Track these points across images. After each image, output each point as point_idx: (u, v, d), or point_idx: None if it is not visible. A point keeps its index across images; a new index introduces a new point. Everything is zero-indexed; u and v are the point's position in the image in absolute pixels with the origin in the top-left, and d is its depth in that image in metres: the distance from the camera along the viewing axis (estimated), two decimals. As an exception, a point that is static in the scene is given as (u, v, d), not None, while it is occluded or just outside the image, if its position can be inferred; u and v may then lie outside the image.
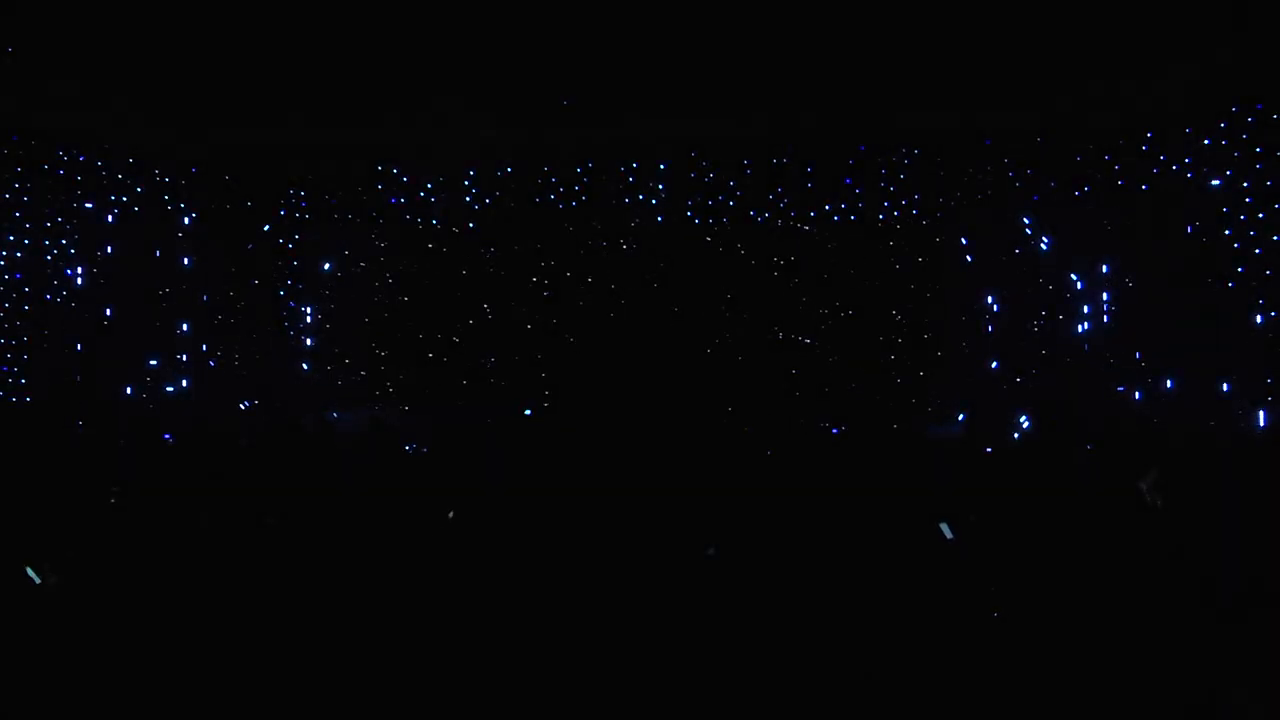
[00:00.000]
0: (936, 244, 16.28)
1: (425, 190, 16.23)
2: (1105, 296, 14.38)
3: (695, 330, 17.01)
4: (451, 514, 6.90)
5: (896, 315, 16.51)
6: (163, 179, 14.77)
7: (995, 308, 15.99)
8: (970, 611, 5.55)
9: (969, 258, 16.16)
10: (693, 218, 16.70)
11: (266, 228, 16.24)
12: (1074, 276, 14.74)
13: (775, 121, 14.50)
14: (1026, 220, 15.27)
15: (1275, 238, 11.85)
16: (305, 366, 16.84)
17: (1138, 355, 13.53)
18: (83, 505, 8.17)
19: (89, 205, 14.11)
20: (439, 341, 17.41)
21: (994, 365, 15.80)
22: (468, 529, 9.58)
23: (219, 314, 15.63)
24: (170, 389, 14.78)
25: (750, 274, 17.16)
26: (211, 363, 15.48)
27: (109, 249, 14.33)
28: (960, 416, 15.77)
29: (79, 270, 14.04)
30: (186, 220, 15.20)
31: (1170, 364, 13.08)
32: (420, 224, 16.86)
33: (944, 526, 6.80)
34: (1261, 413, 11.65)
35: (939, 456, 10.58)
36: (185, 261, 15.24)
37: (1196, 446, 9.95)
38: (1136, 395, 13.45)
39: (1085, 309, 14.63)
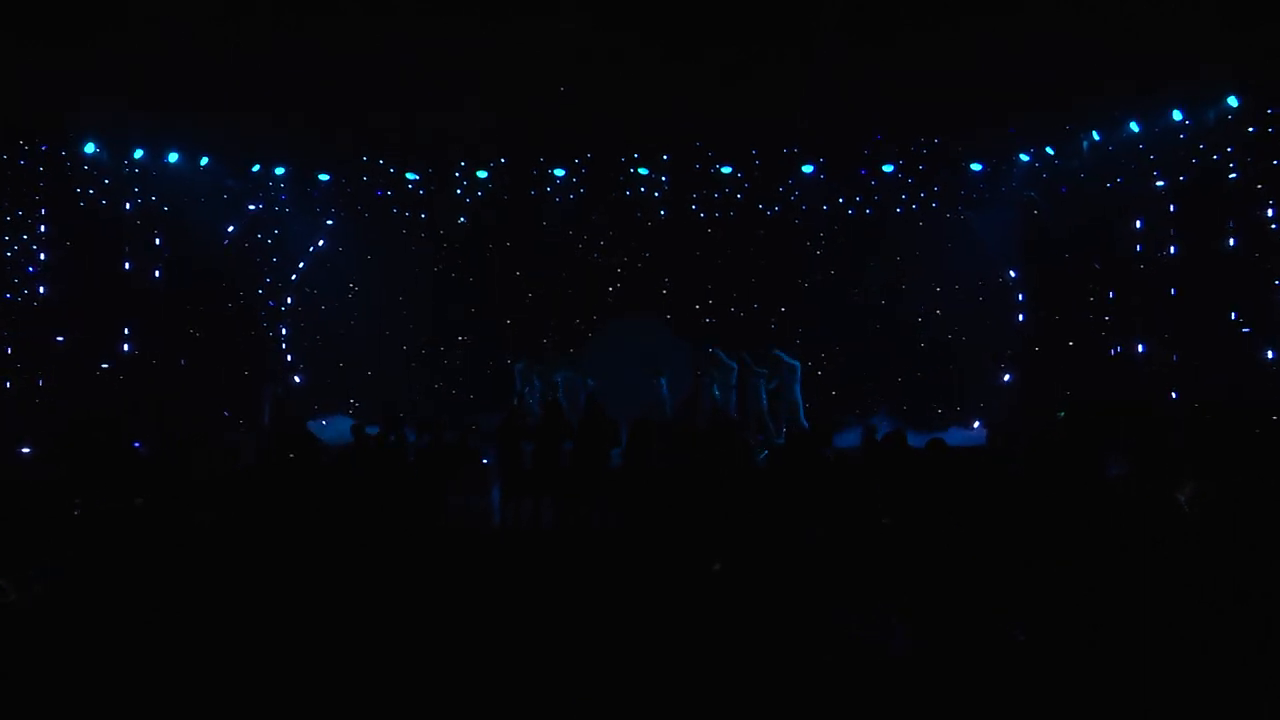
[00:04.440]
0: (951, 238, 15.57)
1: (413, 182, 15.35)
2: (1110, 294, 13.76)
3: (697, 329, 16.31)
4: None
5: (916, 315, 15.83)
6: (142, 173, 13.91)
7: (1015, 303, 15.27)
8: (990, 617, 5.46)
9: (983, 253, 15.41)
10: (698, 211, 15.89)
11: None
12: (1095, 268, 14.01)
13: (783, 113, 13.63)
14: (1041, 216, 14.56)
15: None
16: (287, 368, 16.10)
17: (1175, 356, 12.75)
18: (56, 513, 7.80)
19: (59, 202, 13.25)
20: (431, 340, 16.70)
21: (1015, 363, 15.09)
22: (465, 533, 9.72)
23: (193, 314, 14.80)
24: (144, 395, 13.88)
25: (755, 270, 16.48)
26: (184, 365, 14.57)
27: (81, 248, 13.46)
28: (976, 423, 15.09)
29: (49, 271, 13.16)
30: (163, 212, 14.34)
31: (1196, 362, 12.39)
32: (409, 217, 16.03)
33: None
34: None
35: (959, 459, 9.94)
36: (158, 258, 14.38)
37: (1230, 446, 9.22)
38: (1173, 395, 12.65)
39: (1105, 305, 13.92)
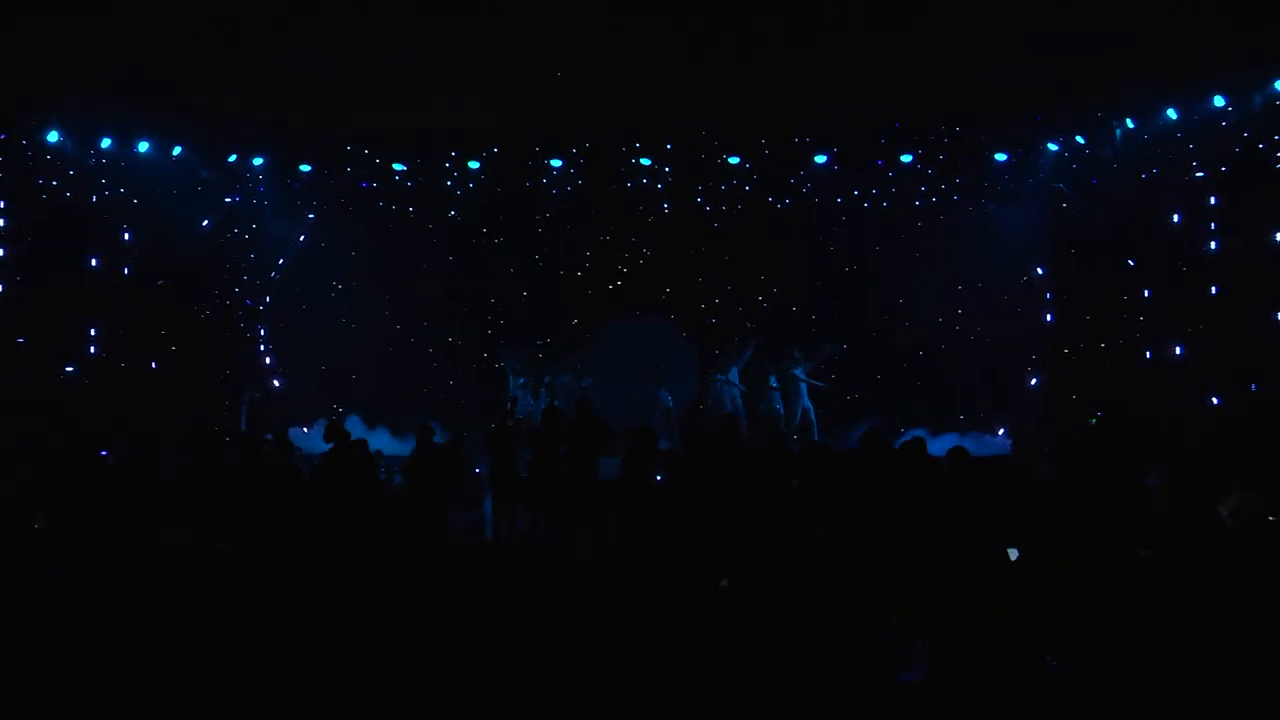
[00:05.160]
0: (974, 233, 14.75)
1: (401, 173, 14.60)
2: (1146, 293, 12.99)
3: (702, 329, 15.60)
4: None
5: (936, 315, 15.08)
6: (110, 163, 13.21)
7: (1043, 301, 14.50)
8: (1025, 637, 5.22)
9: (1008, 248, 14.66)
10: (703, 204, 15.09)
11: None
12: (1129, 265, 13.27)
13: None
14: (1070, 208, 13.82)
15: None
16: (266, 372, 15.33)
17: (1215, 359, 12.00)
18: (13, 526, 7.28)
19: (19, 194, 12.54)
20: (419, 342, 15.91)
21: (1042, 366, 14.34)
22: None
23: (164, 314, 14.06)
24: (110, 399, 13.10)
25: (763, 267, 15.65)
26: (155, 368, 13.85)
27: (43, 243, 12.72)
28: (1001, 431, 14.34)
29: (7, 268, 12.46)
30: (132, 205, 13.58)
31: (1239, 366, 11.71)
32: (396, 210, 15.24)
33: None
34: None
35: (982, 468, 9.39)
36: (127, 254, 13.66)
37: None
38: (1214, 400, 11.96)
39: (1140, 305, 13.17)
